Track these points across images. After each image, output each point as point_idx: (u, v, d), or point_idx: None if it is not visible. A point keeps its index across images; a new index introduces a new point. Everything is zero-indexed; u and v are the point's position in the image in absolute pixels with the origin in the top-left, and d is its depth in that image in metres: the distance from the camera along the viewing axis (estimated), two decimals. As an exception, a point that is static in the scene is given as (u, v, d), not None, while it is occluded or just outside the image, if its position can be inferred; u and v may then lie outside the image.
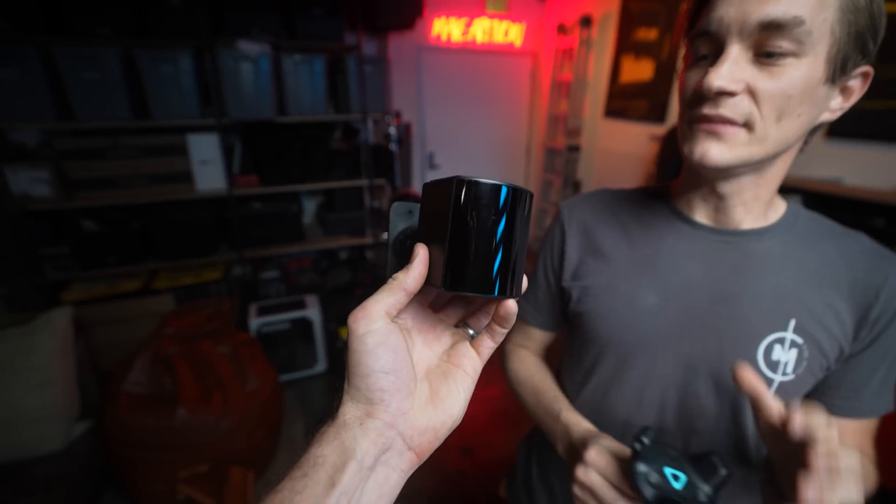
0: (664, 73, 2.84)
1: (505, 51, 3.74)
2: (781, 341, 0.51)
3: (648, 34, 2.92)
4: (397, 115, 3.26)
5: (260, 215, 2.64)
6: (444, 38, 3.45)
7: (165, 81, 2.15)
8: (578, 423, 0.57)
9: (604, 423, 0.59)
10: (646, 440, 0.38)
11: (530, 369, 0.71)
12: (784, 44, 0.38)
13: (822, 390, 0.55)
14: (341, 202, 2.99)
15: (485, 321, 0.35)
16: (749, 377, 0.39)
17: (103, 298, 2.26)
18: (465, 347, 0.33)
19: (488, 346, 0.33)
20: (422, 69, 3.49)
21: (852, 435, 0.55)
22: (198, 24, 2.19)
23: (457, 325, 0.36)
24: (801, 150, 0.50)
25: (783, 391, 0.53)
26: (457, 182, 0.27)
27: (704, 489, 0.37)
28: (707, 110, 0.42)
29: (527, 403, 0.68)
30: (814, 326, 0.51)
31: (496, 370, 2.50)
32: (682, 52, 0.49)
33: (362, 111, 2.71)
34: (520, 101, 4.03)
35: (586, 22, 3.24)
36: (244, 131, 2.68)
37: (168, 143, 2.28)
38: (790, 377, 0.52)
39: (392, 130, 2.68)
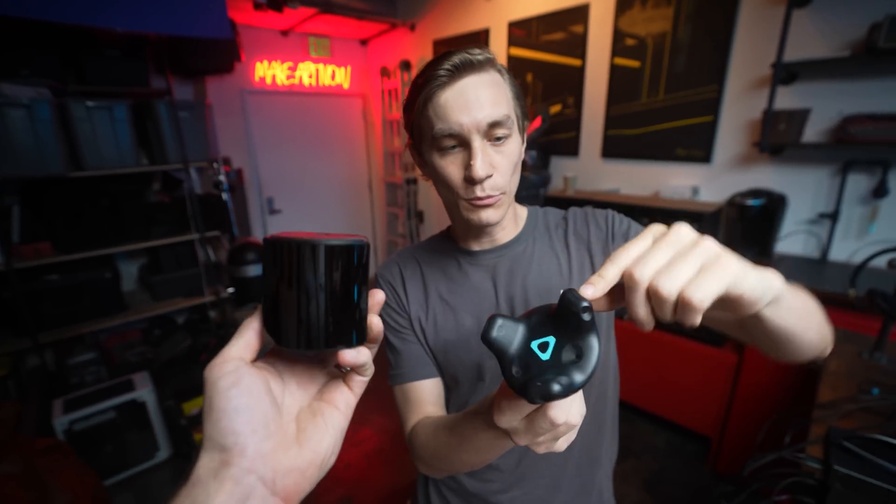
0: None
1: (334, 92, 3.82)
2: None
3: (461, 77, 3.30)
4: (226, 161, 3.06)
5: (59, 288, 2.20)
6: (268, 81, 3.38)
7: None
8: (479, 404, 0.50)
9: None
10: (495, 334, 0.31)
11: (427, 429, 0.64)
12: (503, 131, 0.59)
13: None
14: (169, 261, 2.66)
15: None
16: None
17: None
18: (338, 384, 0.34)
19: (358, 380, 0.35)
20: (248, 113, 3.35)
21: None
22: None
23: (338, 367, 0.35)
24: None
25: None
26: (311, 246, 0.27)
27: (576, 342, 0.30)
28: (479, 192, 0.60)
29: (451, 449, 0.56)
30: (579, 283, 0.64)
31: (367, 410, 2.43)
32: (407, 138, 0.68)
33: (182, 160, 2.48)
34: (356, 140, 4.13)
35: (406, 65, 3.52)
36: (24, 191, 2.22)
37: None
38: None
39: (222, 178, 2.50)
